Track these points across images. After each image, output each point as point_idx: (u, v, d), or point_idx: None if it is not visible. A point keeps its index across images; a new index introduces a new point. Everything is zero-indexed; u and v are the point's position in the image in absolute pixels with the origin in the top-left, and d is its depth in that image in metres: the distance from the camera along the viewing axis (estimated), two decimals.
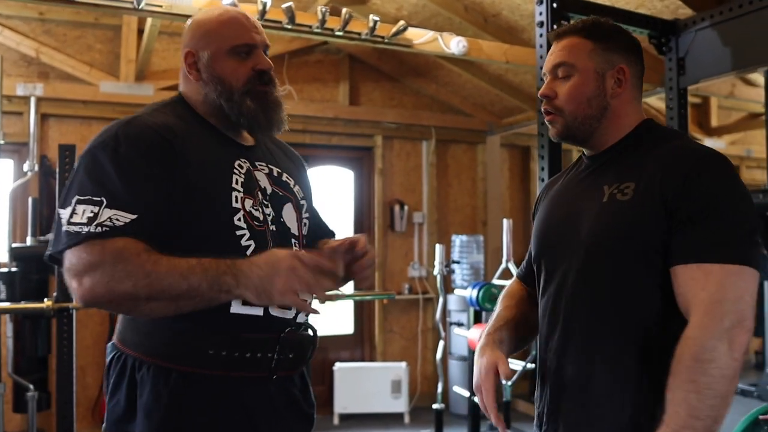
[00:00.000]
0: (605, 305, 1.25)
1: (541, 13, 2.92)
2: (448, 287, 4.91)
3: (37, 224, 4.03)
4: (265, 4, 2.89)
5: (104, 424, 1.31)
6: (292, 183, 1.49)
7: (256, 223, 1.34)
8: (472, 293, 4.28)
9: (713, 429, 1.09)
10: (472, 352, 4.37)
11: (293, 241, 1.43)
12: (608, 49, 1.35)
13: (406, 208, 5.37)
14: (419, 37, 3.42)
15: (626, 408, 1.20)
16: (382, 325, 5.27)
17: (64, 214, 1.22)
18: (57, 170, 3.25)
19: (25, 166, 4.04)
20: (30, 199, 4.03)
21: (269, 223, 1.37)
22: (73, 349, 3.15)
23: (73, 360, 3.14)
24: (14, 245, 3.78)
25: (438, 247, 4.58)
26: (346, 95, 5.23)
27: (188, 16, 2.97)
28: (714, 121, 6.17)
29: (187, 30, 1.43)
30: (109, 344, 1.36)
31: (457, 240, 5.07)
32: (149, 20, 3.55)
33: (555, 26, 2.90)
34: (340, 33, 3.19)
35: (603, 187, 1.31)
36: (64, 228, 1.20)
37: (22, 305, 3.24)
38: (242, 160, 1.39)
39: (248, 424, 1.30)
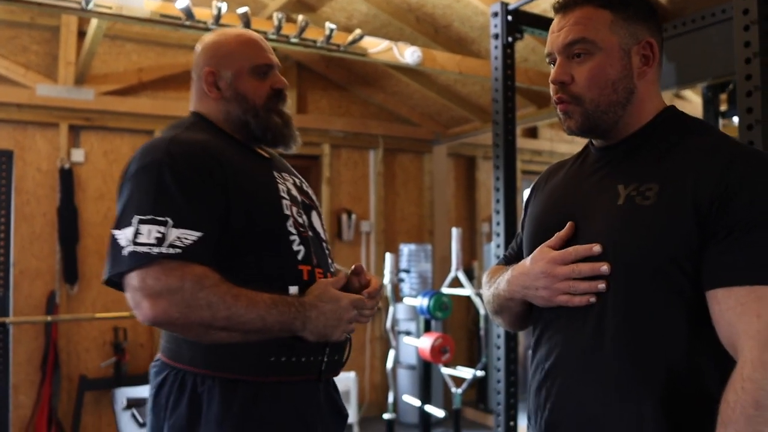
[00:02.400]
0: (620, 333, 1.04)
1: (496, 26, 2.96)
2: (397, 296, 4.90)
3: None
4: (219, 9, 2.82)
5: None
6: (310, 192, 1.57)
7: (301, 229, 1.40)
8: (422, 302, 4.29)
9: None
10: (421, 360, 4.38)
11: (324, 244, 1.49)
12: (630, 20, 1.12)
13: (353, 217, 5.35)
14: (374, 46, 3.42)
15: None
16: None
17: (125, 234, 1.22)
18: None
19: None
20: None
21: (308, 229, 1.43)
22: (9, 365, 2.99)
23: (8, 377, 2.98)
24: None
25: (388, 256, 4.57)
26: (293, 103, 5.17)
27: (138, 19, 2.89)
28: None
29: (205, 49, 1.49)
30: (156, 363, 1.36)
31: (406, 249, 5.08)
32: (93, 22, 3.41)
33: (509, 39, 2.95)
34: (296, 40, 3.15)
35: (617, 186, 1.09)
36: (130, 248, 1.20)
37: None
38: (275, 171, 1.46)
39: (305, 428, 1.34)
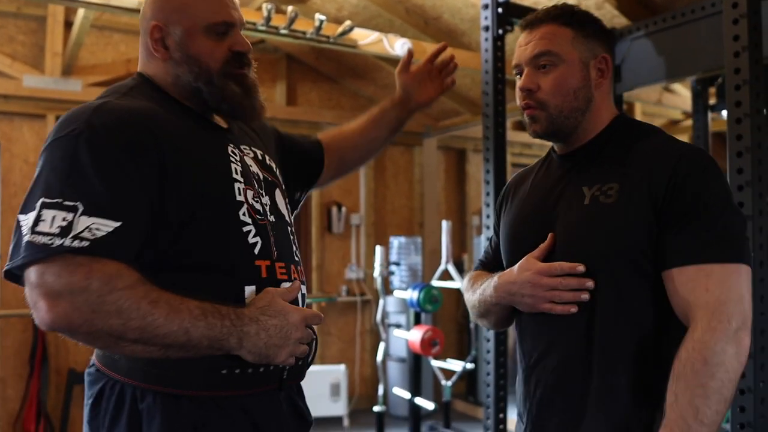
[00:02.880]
0: (596, 315, 1.17)
1: (486, 18, 2.95)
2: (387, 289, 4.91)
3: None
4: None
5: None
6: (274, 166, 1.36)
7: (258, 216, 1.20)
8: (412, 295, 4.29)
9: None
10: (411, 353, 4.39)
11: (289, 228, 1.30)
12: (589, 37, 1.27)
13: (343, 209, 5.34)
14: (364, 37, 3.40)
15: (620, 418, 1.15)
16: (320, 327, 5.22)
17: (26, 220, 1.02)
18: None
19: None
20: None
21: (268, 213, 1.24)
22: None
23: None
24: None
25: (378, 249, 4.57)
26: (283, 95, 5.15)
27: (127, 9, 2.85)
28: None
29: (154, 1, 1.25)
30: (91, 370, 1.17)
31: (396, 242, 5.08)
32: (81, 12, 3.37)
33: (500, 31, 2.95)
34: (285, 31, 3.13)
35: (582, 188, 1.24)
36: (27, 238, 1.00)
37: None
38: (231, 145, 1.24)
39: None
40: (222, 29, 1.23)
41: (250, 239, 1.17)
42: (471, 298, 1.41)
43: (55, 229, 0.99)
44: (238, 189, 1.18)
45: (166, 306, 1.02)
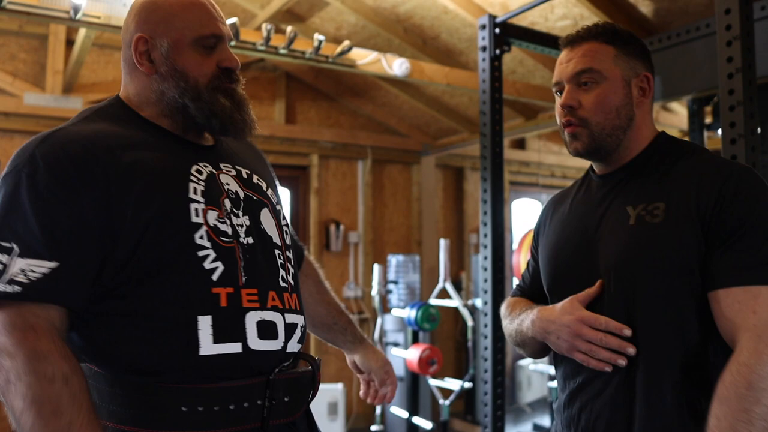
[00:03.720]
0: (643, 335, 1.16)
1: (483, 38, 2.98)
2: (385, 307, 4.90)
3: None
4: None
5: None
6: (264, 186, 1.28)
7: (223, 239, 1.10)
8: (410, 313, 4.29)
9: None
10: (409, 372, 4.38)
11: (276, 252, 1.20)
12: (631, 55, 1.26)
13: (341, 227, 5.34)
14: (363, 57, 3.43)
15: None
16: (318, 346, 5.20)
17: None
18: None
19: None
20: None
21: (242, 235, 1.14)
22: None
23: None
24: None
25: (376, 267, 4.57)
26: (282, 113, 5.18)
27: None
28: None
29: (138, 11, 1.20)
30: None
31: (393, 260, 5.08)
32: (82, 31, 3.40)
33: (497, 51, 2.98)
34: (285, 51, 3.16)
35: (626, 208, 1.22)
36: None
37: None
38: (202, 164, 1.17)
39: None
40: (211, 42, 1.18)
41: (208, 264, 1.08)
42: (508, 327, 1.40)
43: None
44: (195, 210, 1.09)
45: (60, 429, 0.93)
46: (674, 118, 4.96)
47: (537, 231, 1.47)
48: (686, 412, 1.12)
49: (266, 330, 1.11)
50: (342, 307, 1.62)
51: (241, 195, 1.19)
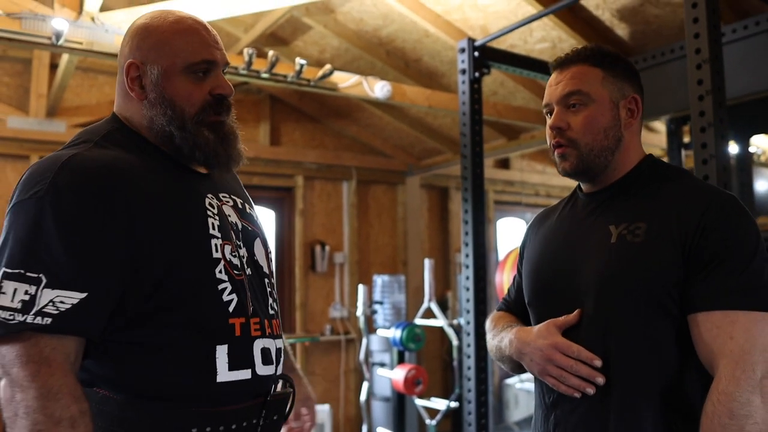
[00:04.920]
0: (618, 355, 1.17)
1: (463, 61, 3.03)
2: (371, 327, 4.90)
3: None
4: None
5: None
6: (255, 215, 1.33)
7: (235, 272, 1.15)
8: (395, 333, 4.30)
9: None
10: (395, 392, 4.37)
11: (266, 281, 1.26)
12: (618, 77, 1.27)
13: (327, 248, 5.35)
14: (344, 80, 3.47)
15: None
16: (305, 367, 5.19)
17: None
18: None
19: None
20: None
21: (245, 266, 1.19)
22: None
23: None
24: None
25: (361, 288, 4.58)
26: (266, 135, 5.21)
27: (108, 54, 2.91)
28: None
29: (132, 36, 1.19)
30: None
31: (379, 280, 5.09)
32: (65, 56, 3.42)
33: (476, 74, 3.03)
34: (267, 75, 3.19)
35: (609, 227, 1.23)
36: None
37: None
38: (210, 195, 1.19)
39: None
40: (202, 69, 1.17)
41: (225, 297, 1.12)
42: (490, 342, 1.42)
43: (17, 304, 0.95)
44: (215, 245, 1.13)
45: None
46: (655, 137, 5.03)
47: (523, 246, 1.49)
48: None
49: (266, 356, 1.18)
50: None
51: (240, 227, 1.23)
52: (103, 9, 2.85)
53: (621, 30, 3.31)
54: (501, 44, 3.53)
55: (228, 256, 1.15)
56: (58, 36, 2.60)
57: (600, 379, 1.17)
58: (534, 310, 1.36)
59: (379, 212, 5.76)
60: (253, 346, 1.16)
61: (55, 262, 0.98)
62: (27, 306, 0.96)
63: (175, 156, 1.19)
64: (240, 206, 1.28)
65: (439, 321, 4.42)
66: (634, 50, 3.42)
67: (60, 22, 2.57)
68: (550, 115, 1.31)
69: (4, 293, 0.96)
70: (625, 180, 1.29)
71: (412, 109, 4.90)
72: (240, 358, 1.13)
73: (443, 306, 5.46)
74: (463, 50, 3.04)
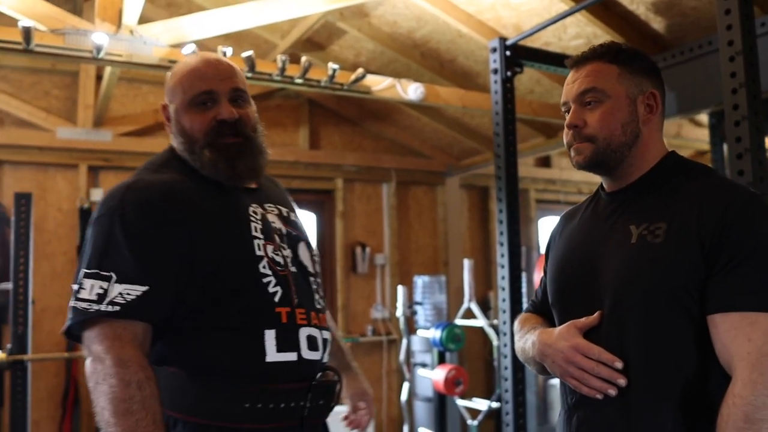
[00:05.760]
0: (639, 356, 1.16)
1: (495, 61, 3.03)
2: (411, 328, 4.92)
3: None
4: (224, 53, 2.93)
5: None
6: (299, 222, 1.51)
7: (278, 268, 1.34)
8: (435, 334, 4.31)
9: None
10: (437, 393, 4.38)
11: (311, 279, 1.43)
12: (635, 73, 1.26)
13: (367, 250, 5.39)
14: (378, 83, 3.50)
15: None
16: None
17: (74, 288, 1.22)
18: (12, 218, 3.20)
19: None
20: None
21: (289, 265, 1.37)
22: (27, 402, 3.06)
23: (27, 414, 3.05)
24: None
25: (400, 289, 4.60)
26: (306, 139, 5.28)
27: (147, 65, 3.01)
28: None
29: (166, 81, 1.43)
30: None
31: (420, 281, 5.10)
32: (108, 67, 3.55)
33: (508, 73, 3.01)
34: (300, 81, 3.24)
35: (630, 227, 1.22)
36: (72, 303, 1.21)
37: None
38: (254, 205, 1.39)
39: None
40: (202, 99, 1.35)
41: (271, 288, 1.31)
42: (517, 344, 1.43)
43: (93, 296, 1.19)
44: (258, 245, 1.32)
45: (128, 427, 1.13)
46: (699, 132, 4.91)
47: (548, 247, 1.49)
48: None
49: (312, 343, 1.35)
50: (337, 332, 1.74)
51: (284, 231, 1.42)
52: (141, 21, 2.95)
53: (657, 24, 3.25)
54: (535, 42, 3.50)
55: (270, 254, 1.33)
56: (99, 49, 2.71)
57: (621, 381, 1.16)
58: (557, 311, 1.36)
59: (419, 213, 5.77)
60: (299, 332, 1.32)
61: (122, 263, 1.21)
62: (101, 297, 1.18)
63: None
64: (285, 214, 1.46)
65: (479, 321, 4.40)
66: (671, 44, 3.35)
67: (100, 36, 2.67)
68: (568, 113, 1.31)
69: (84, 288, 1.20)
70: (647, 178, 1.28)
71: (449, 110, 4.90)
72: (286, 342, 1.30)
73: (485, 306, 5.43)
74: (494, 50, 3.03)
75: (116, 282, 1.19)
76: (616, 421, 1.19)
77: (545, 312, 1.45)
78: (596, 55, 1.29)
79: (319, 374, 1.35)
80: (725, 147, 3.72)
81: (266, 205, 1.43)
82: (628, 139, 1.25)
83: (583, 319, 1.24)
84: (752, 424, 1.01)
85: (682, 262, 1.13)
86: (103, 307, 1.18)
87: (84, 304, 1.19)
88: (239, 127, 1.37)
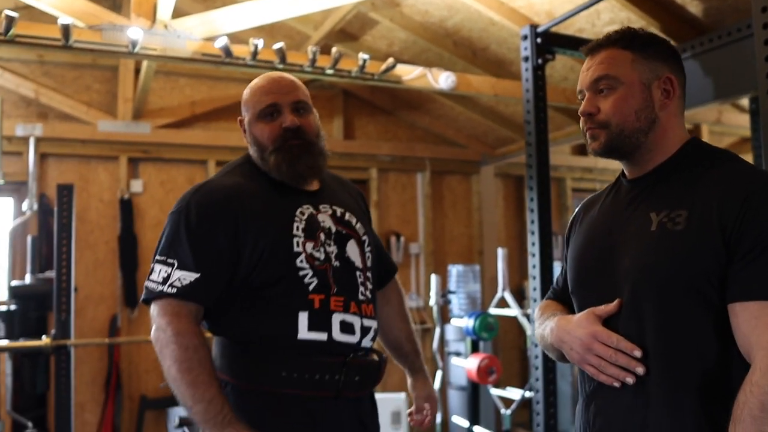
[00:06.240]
0: (657, 345, 1.16)
1: (526, 48, 3.00)
2: (446, 317, 4.93)
3: (36, 262, 4.08)
4: (256, 46, 2.97)
5: None
6: (354, 221, 1.65)
7: (317, 262, 1.52)
8: (468, 323, 4.31)
9: None
10: (470, 381, 4.39)
11: (357, 273, 1.59)
12: (650, 58, 1.25)
13: (402, 239, 5.42)
14: (408, 73, 3.51)
15: None
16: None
17: (150, 270, 1.49)
18: (55, 209, 3.32)
19: (24, 205, 4.10)
20: (29, 238, 4.09)
21: (332, 260, 1.55)
22: (71, 385, 3.18)
23: (71, 396, 3.17)
24: (13, 283, 3.83)
25: (434, 278, 4.61)
26: (340, 129, 5.32)
27: (180, 59, 3.07)
28: None
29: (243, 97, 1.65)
30: None
31: (454, 270, 5.10)
32: (145, 61, 3.63)
33: (539, 60, 2.99)
34: (331, 71, 3.27)
35: (650, 214, 1.21)
36: (146, 283, 1.47)
37: (21, 343, 3.28)
38: (305, 206, 1.57)
39: None
40: (269, 111, 1.56)
41: (307, 279, 1.50)
42: (537, 331, 1.44)
43: (160, 279, 1.44)
44: (297, 242, 1.51)
45: (191, 379, 1.38)
46: (742, 118, 4.79)
47: (568, 234, 1.49)
48: (705, 425, 1.11)
49: (346, 327, 1.52)
50: (413, 335, 1.92)
51: (333, 230, 1.59)
52: (176, 15, 3.01)
53: (694, 7, 3.18)
54: (568, 29, 3.46)
55: (310, 250, 1.52)
56: (134, 44, 2.78)
57: (640, 369, 1.16)
58: (576, 298, 1.36)
59: (453, 202, 5.77)
60: (331, 317, 1.50)
61: (182, 253, 1.45)
62: (165, 280, 1.43)
63: (280, 179, 1.59)
64: (338, 214, 1.62)
65: (513, 310, 4.39)
66: (709, 28, 3.27)
67: (135, 31, 2.74)
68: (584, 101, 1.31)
69: (153, 271, 1.46)
70: (667, 165, 1.26)
71: (483, 98, 4.87)
72: (317, 324, 1.49)
73: (521, 295, 5.41)
74: (525, 37, 3.01)
75: (177, 268, 1.43)
76: (633, 409, 1.18)
77: (565, 299, 1.45)
78: (610, 41, 1.28)
79: (355, 353, 1.52)
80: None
81: (321, 206, 1.60)
82: (643, 124, 1.24)
83: (602, 307, 1.23)
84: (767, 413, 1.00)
85: (702, 250, 1.12)
86: (165, 288, 1.42)
87: (152, 284, 1.44)
88: (301, 133, 1.56)
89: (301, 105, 1.58)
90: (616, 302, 1.22)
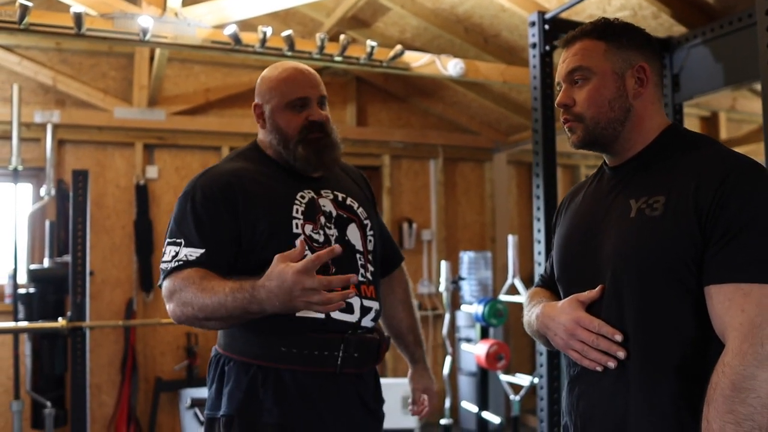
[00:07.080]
0: (637, 329, 1.18)
1: (534, 35, 3.00)
2: (456, 303, 4.96)
3: (54, 246, 4.17)
4: (265, 33, 3.00)
5: (205, 410, 1.61)
6: (356, 205, 1.71)
7: (315, 244, 1.57)
8: (478, 309, 4.34)
9: None
10: (480, 367, 4.42)
11: (357, 255, 1.64)
12: (623, 48, 1.27)
13: (414, 225, 5.45)
14: (417, 60, 3.52)
15: None
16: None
17: (163, 253, 1.56)
18: (71, 194, 3.39)
19: (42, 191, 4.19)
20: (47, 222, 4.18)
21: (332, 242, 1.59)
22: (86, 366, 3.26)
23: (86, 377, 3.25)
24: (32, 267, 3.92)
25: (444, 264, 4.64)
26: (353, 116, 5.34)
27: (190, 46, 3.12)
28: (723, 134, 6.18)
29: (257, 83, 1.68)
30: (213, 348, 1.66)
31: (465, 256, 5.13)
32: (157, 49, 3.69)
33: (548, 47, 2.99)
34: (339, 58, 3.29)
35: (629, 201, 1.24)
36: (161, 265, 1.54)
37: (39, 324, 3.37)
38: (306, 191, 1.62)
39: (313, 411, 1.52)
40: (299, 103, 1.61)
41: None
42: (524, 317, 1.47)
43: (169, 258, 1.52)
44: (296, 224, 1.56)
45: (210, 291, 1.42)
46: (755, 104, 4.73)
47: (555, 221, 1.51)
48: (683, 406, 1.13)
49: (346, 307, 1.55)
50: (416, 325, 1.97)
51: (334, 213, 1.64)
52: (186, 3, 3.05)
53: None
54: (579, 15, 3.45)
55: (308, 232, 1.56)
56: (145, 32, 2.82)
57: (621, 353, 1.18)
58: (561, 285, 1.39)
59: (466, 189, 5.78)
60: None
61: (188, 232, 1.52)
62: (173, 258, 1.50)
63: (285, 165, 1.66)
64: (340, 199, 1.67)
65: (523, 297, 4.41)
66: (721, 13, 3.25)
67: (145, 19, 2.78)
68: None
69: (165, 254, 1.53)
70: (646, 152, 1.28)
71: (495, 85, 4.87)
72: None
73: (531, 282, 5.41)
74: (533, 23, 3.01)
75: (184, 246, 1.50)
76: (615, 393, 1.21)
77: (553, 286, 1.47)
78: (585, 33, 1.30)
79: (353, 331, 1.56)
80: None
81: (323, 191, 1.65)
82: (617, 114, 1.26)
83: (585, 293, 1.26)
84: (739, 393, 1.02)
85: (680, 234, 1.13)
86: (173, 264, 1.49)
87: (164, 265, 1.51)
88: (324, 127, 1.63)
89: (323, 99, 1.66)
90: (598, 288, 1.24)
